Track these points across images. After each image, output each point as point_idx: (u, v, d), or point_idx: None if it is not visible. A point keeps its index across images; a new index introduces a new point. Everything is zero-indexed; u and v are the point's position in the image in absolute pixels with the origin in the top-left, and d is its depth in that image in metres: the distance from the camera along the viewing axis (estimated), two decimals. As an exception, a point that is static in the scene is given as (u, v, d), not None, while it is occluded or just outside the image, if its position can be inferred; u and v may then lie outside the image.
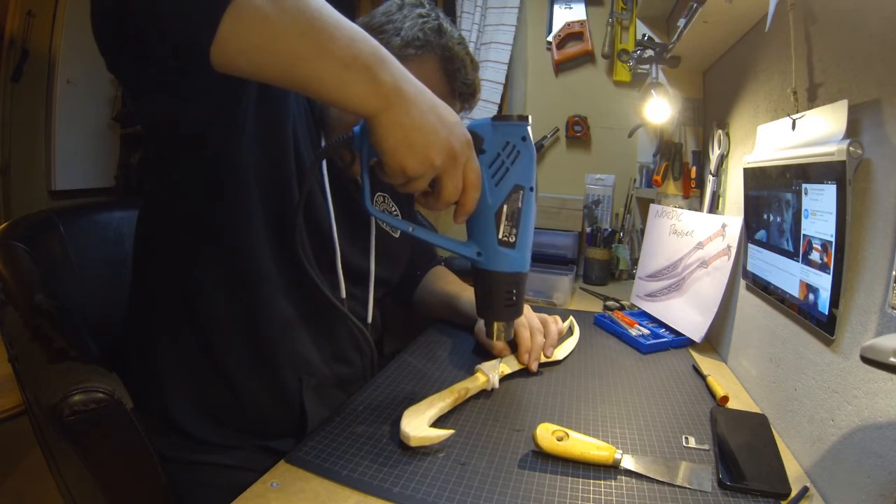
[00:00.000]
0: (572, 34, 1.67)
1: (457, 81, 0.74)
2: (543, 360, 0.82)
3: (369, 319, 0.82)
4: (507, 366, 0.77)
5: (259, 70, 0.43)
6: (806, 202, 0.58)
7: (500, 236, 0.55)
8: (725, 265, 0.88)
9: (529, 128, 0.54)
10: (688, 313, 0.96)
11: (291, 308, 0.69)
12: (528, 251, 0.57)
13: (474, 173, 0.51)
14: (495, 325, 0.60)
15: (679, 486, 0.52)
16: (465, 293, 0.97)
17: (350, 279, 0.76)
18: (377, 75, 0.44)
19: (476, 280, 0.60)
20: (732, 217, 0.89)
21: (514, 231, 0.55)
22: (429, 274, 1.07)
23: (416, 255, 1.03)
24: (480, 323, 0.87)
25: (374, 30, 0.73)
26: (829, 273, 0.53)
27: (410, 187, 0.50)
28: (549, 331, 0.84)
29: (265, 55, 0.42)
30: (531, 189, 0.55)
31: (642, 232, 1.37)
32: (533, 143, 0.55)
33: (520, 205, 0.55)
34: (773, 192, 0.68)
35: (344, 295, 0.75)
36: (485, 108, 1.70)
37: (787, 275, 0.63)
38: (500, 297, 0.58)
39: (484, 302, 0.59)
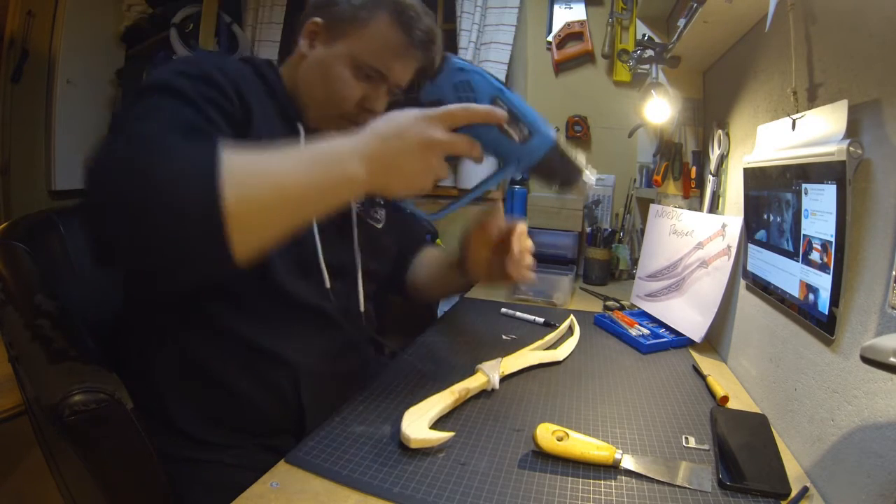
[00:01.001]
0: (572, 34, 1.68)
1: (413, 32, 0.73)
2: (544, 359, 0.82)
3: (361, 309, 0.81)
4: (507, 366, 0.77)
5: (272, 240, 0.51)
6: (806, 202, 0.58)
7: (518, 140, 0.60)
8: (725, 265, 0.88)
9: (456, 58, 0.63)
10: (688, 313, 0.96)
11: (279, 309, 0.69)
12: (543, 125, 0.61)
13: (452, 141, 0.56)
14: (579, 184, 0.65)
15: (679, 486, 0.52)
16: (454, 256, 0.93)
17: (335, 274, 0.75)
18: (350, 177, 0.52)
19: (540, 175, 0.65)
20: (732, 217, 0.89)
21: (521, 126, 0.60)
22: (417, 258, 1.03)
23: (404, 242, 0.99)
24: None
25: (324, 6, 0.75)
26: (829, 273, 0.53)
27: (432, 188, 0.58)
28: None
29: (273, 231, 0.50)
30: (501, 89, 0.60)
31: (642, 232, 1.37)
32: (470, 62, 0.63)
33: (506, 107, 0.59)
34: (773, 192, 0.68)
35: (328, 287, 0.74)
36: (485, 108, 1.70)
37: (787, 275, 0.63)
38: (560, 168, 0.62)
39: (558, 179, 0.64)
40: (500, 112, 0.57)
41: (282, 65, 0.79)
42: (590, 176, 0.64)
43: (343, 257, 0.79)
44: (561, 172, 0.62)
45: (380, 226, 0.87)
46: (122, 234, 0.45)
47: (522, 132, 0.60)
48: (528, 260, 0.77)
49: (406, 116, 0.55)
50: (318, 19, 0.73)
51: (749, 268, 0.78)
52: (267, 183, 0.48)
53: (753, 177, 0.76)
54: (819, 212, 0.55)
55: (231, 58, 0.77)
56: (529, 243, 0.78)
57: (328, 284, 0.74)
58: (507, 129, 0.59)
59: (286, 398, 0.69)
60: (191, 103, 0.59)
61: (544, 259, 1.53)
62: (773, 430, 0.64)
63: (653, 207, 1.22)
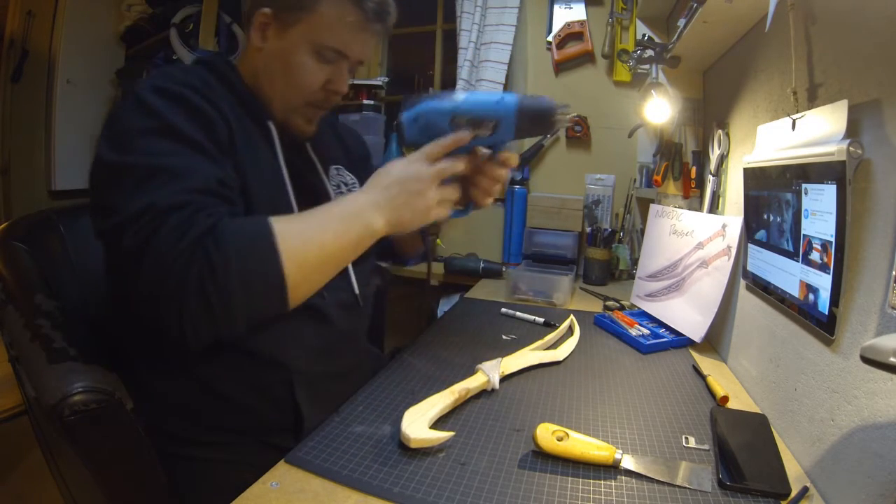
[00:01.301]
0: (572, 34, 1.68)
1: (365, 4, 0.72)
2: (544, 359, 0.82)
3: (356, 292, 0.80)
4: (507, 366, 0.77)
5: (318, 288, 0.62)
6: (806, 202, 0.58)
7: (491, 132, 0.67)
8: (725, 265, 0.88)
9: (405, 112, 0.71)
10: (688, 313, 0.96)
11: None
12: (501, 106, 0.66)
13: (439, 170, 0.65)
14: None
15: (679, 486, 0.52)
16: None
17: None
18: (372, 227, 0.62)
19: (525, 136, 0.75)
20: (732, 217, 0.89)
21: (486, 123, 0.67)
22: None
23: None
24: None
25: None
26: (829, 273, 0.53)
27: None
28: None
29: (319, 283, 0.61)
30: (455, 107, 0.67)
31: (642, 232, 1.37)
32: (403, 113, 0.72)
33: (465, 118, 0.67)
34: (773, 192, 0.68)
35: (325, 293, 0.72)
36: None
37: (787, 275, 0.63)
38: (537, 122, 0.67)
39: (538, 131, 0.72)
40: (463, 134, 0.66)
41: (235, 58, 0.77)
42: (563, 109, 0.68)
43: None
44: (539, 126, 0.69)
45: None
46: (199, 323, 0.53)
47: (489, 125, 0.67)
48: (497, 189, 0.75)
49: (397, 166, 0.65)
50: (266, 10, 0.71)
51: (749, 268, 0.78)
52: (313, 249, 0.58)
53: (753, 177, 0.76)
54: (819, 212, 0.55)
55: (193, 69, 0.73)
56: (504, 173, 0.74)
57: (324, 294, 0.72)
58: (478, 133, 0.67)
59: (281, 401, 0.68)
60: (200, 149, 0.59)
61: (544, 259, 1.54)
62: (773, 430, 0.64)
63: (653, 207, 1.22)
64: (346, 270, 0.80)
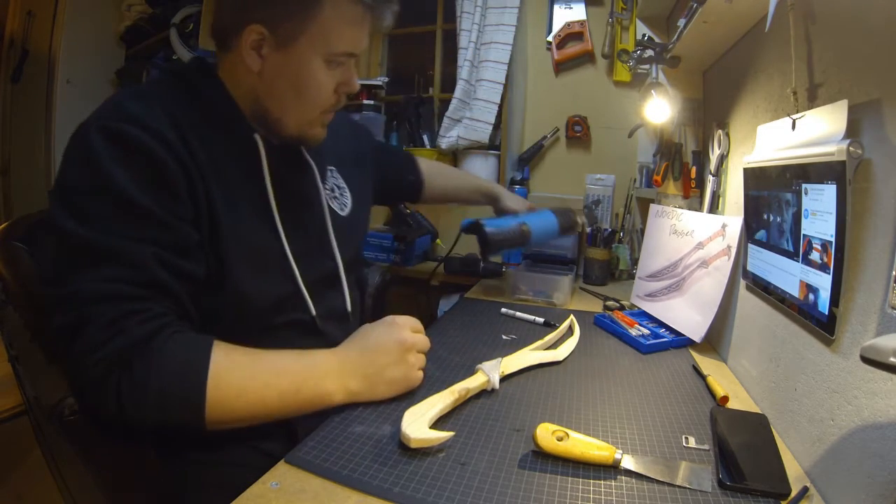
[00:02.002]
0: (572, 34, 1.68)
1: None
2: (544, 359, 0.82)
3: (349, 309, 0.80)
4: (507, 366, 0.77)
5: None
6: (806, 202, 0.58)
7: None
8: (725, 265, 0.88)
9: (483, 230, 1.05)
10: (688, 313, 0.96)
11: (258, 334, 0.66)
12: (547, 234, 1.16)
13: (421, 338, 0.71)
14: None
15: (679, 486, 0.52)
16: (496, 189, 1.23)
17: (316, 284, 0.73)
18: (329, 397, 0.62)
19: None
20: (732, 217, 0.89)
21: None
22: (427, 174, 1.14)
23: (396, 166, 1.10)
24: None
25: (253, 9, 0.64)
26: (829, 273, 0.53)
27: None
28: None
29: (243, 425, 0.59)
30: (524, 220, 1.11)
31: (642, 232, 1.37)
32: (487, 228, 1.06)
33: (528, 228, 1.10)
34: (773, 192, 0.68)
35: (314, 311, 0.72)
36: (485, 107, 1.70)
37: (787, 275, 0.63)
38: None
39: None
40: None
41: (216, 61, 0.70)
42: (582, 219, 1.20)
43: (322, 266, 0.77)
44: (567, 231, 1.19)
45: (346, 213, 0.84)
46: (113, 417, 0.52)
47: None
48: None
49: (376, 329, 0.68)
50: (256, 26, 0.62)
51: (749, 268, 0.78)
52: (247, 401, 0.57)
53: (753, 177, 0.76)
54: (819, 212, 0.55)
55: (162, 88, 0.66)
56: None
57: (314, 312, 0.72)
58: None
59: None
60: (145, 216, 0.55)
61: (544, 259, 1.53)
62: (773, 430, 0.64)
63: (653, 207, 1.22)
64: (338, 281, 0.79)
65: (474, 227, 1.06)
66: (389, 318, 0.71)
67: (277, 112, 0.68)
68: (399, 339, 0.67)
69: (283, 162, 0.72)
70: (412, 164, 1.14)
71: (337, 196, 0.84)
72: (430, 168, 1.17)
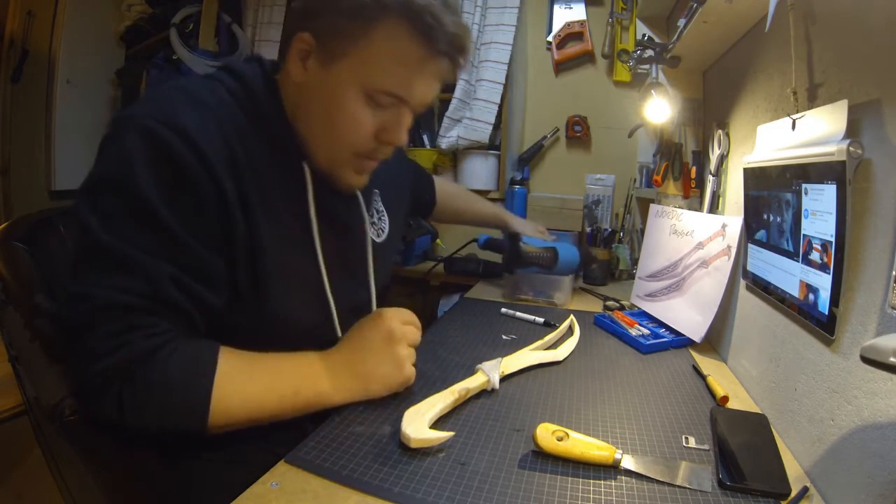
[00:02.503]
0: (572, 34, 1.68)
1: (435, 37, 0.57)
2: (544, 359, 0.82)
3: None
4: (507, 366, 0.77)
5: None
6: (806, 202, 0.58)
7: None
8: (725, 265, 0.88)
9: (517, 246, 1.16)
10: (688, 313, 0.96)
11: (275, 348, 0.65)
12: (570, 265, 1.22)
13: (411, 330, 0.68)
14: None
15: (679, 486, 0.52)
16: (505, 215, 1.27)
17: (347, 311, 0.72)
18: (328, 399, 0.62)
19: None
20: (732, 217, 0.89)
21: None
22: (440, 192, 1.16)
23: (417, 185, 1.08)
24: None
25: (309, 15, 0.59)
26: (829, 273, 0.53)
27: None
28: None
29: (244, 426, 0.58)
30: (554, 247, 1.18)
31: (642, 232, 1.37)
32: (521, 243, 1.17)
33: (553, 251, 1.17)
34: (773, 192, 0.68)
35: (339, 334, 0.71)
36: (485, 107, 1.70)
37: (787, 275, 0.63)
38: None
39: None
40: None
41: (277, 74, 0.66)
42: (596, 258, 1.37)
43: (356, 296, 0.76)
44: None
45: (383, 238, 0.82)
46: (112, 420, 0.52)
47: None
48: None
49: (363, 326, 0.66)
50: (306, 34, 0.58)
51: (749, 268, 0.78)
52: (245, 409, 0.56)
53: (753, 177, 0.76)
54: (819, 212, 0.55)
55: (215, 91, 0.60)
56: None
57: (339, 333, 0.71)
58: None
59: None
60: (167, 232, 0.53)
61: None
62: (773, 430, 0.64)
63: (653, 207, 1.22)
64: (368, 309, 0.78)
65: (506, 238, 1.19)
66: (377, 310, 0.68)
67: (308, 136, 0.64)
68: (385, 332, 0.65)
69: (330, 189, 0.68)
70: (431, 187, 1.16)
71: (376, 221, 0.81)
72: (446, 190, 1.19)
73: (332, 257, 0.69)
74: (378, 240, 0.80)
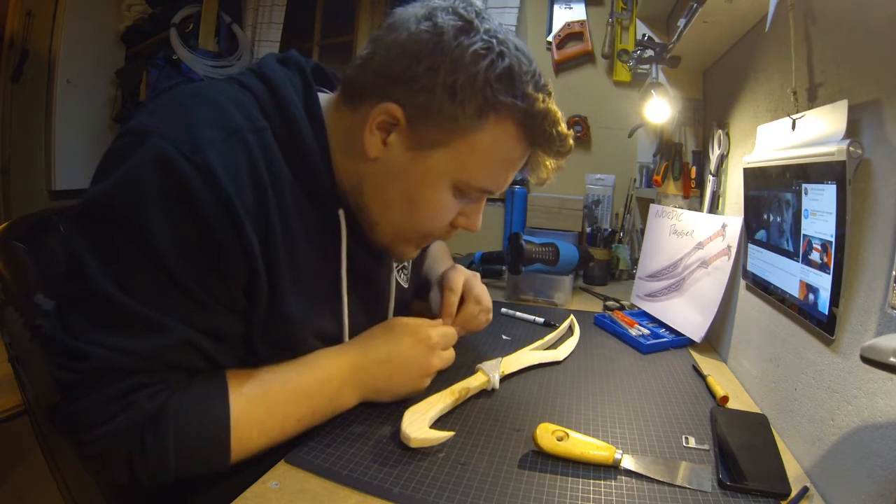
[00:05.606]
0: (572, 34, 1.68)
1: (540, 138, 0.55)
2: (544, 359, 0.82)
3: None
4: (507, 365, 0.77)
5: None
6: (806, 202, 0.58)
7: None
8: (725, 265, 0.88)
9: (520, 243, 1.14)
10: (688, 313, 0.96)
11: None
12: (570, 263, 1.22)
13: (447, 358, 0.67)
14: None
15: (679, 486, 0.52)
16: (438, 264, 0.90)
17: None
18: (343, 403, 0.61)
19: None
20: (732, 217, 0.89)
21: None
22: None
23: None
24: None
25: (402, 80, 0.50)
26: (829, 273, 0.53)
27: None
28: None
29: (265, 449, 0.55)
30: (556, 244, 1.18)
31: (642, 232, 1.37)
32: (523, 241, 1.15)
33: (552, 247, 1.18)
34: (773, 192, 0.68)
35: None
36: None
37: (787, 275, 0.63)
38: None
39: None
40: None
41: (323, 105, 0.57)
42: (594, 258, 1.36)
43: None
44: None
45: (408, 283, 0.81)
46: (119, 478, 0.48)
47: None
48: (483, 318, 0.79)
49: (403, 341, 0.63)
50: (393, 106, 0.50)
51: (749, 268, 0.78)
52: (265, 438, 0.54)
53: (753, 177, 0.76)
54: (819, 212, 0.55)
55: (252, 119, 0.51)
56: (485, 301, 0.78)
57: None
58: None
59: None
60: (181, 289, 0.47)
61: (544, 259, 1.53)
62: (773, 430, 0.64)
63: (653, 207, 1.22)
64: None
65: (506, 240, 1.23)
66: (424, 331, 0.64)
67: (378, 216, 0.57)
68: (426, 364, 0.64)
69: (360, 239, 0.62)
70: None
71: (404, 266, 0.79)
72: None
73: (355, 311, 0.64)
74: (406, 286, 0.80)
